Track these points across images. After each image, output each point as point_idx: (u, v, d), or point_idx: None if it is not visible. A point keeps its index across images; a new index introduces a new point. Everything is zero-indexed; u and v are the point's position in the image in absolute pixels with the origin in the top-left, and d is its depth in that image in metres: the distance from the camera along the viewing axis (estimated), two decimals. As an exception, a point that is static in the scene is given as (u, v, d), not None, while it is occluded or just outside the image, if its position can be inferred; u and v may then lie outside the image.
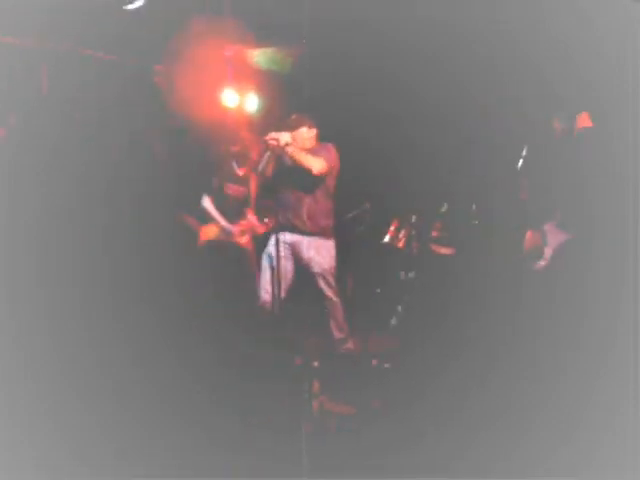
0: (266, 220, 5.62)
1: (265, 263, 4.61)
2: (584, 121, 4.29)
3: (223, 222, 5.62)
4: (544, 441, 3.31)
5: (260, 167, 4.47)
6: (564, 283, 3.94)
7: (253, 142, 5.65)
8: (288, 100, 5.92)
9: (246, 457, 3.22)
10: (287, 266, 4.53)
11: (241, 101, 6.51)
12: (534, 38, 4.58)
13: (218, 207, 5.64)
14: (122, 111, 5.63)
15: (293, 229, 4.56)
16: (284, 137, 4.38)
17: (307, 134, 4.59)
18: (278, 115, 5.83)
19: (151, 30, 5.55)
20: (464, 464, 3.21)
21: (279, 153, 4.45)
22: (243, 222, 5.64)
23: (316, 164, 4.40)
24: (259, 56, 6.37)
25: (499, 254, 4.76)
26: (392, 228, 5.61)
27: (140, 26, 5.51)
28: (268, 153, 4.42)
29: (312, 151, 4.50)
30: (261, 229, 5.62)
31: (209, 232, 5.61)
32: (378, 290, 5.92)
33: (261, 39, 6.03)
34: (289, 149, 4.37)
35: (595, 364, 3.52)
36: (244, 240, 5.59)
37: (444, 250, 5.45)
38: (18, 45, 5.12)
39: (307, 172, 4.39)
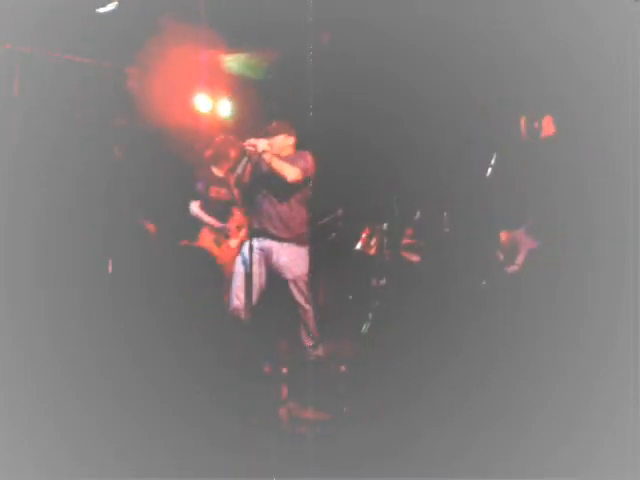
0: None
1: (237, 269, 4.60)
2: (548, 127, 4.30)
3: (216, 223, 5.62)
4: (544, 441, 3.31)
5: (237, 172, 4.50)
6: (564, 283, 3.94)
7: (227, 144, 5.69)
8: (262, 105, 5.95)
9: (246, 457, 3.22)
10: (260, 272, 4.52)
11: (214, 106, 6.54)
12: (534, 38, 4.58)
13: (206, 210, 5.65)
14: (95, 113, 5.63)
15: (267, 235, 4.56)
16: (262, 144, 4.41)
17: (285, 142, 4.63)
18: (251, 120, 5.88)
19: (125, 33, 5.55)
20: (464, 464, 3.21)
21: (256, 160, 4.48)
22: (235, 218, 5.64)
23: (291, 172, 4.44)
24: (232, 61, 6.38)
25: (470, 260, 4.78)
26: (364, 235, 5.67)
27: (114, 29, 5.50)
28: (246, 158, 4.45)
29: (289, 159, 4.53)
30: None
31: (205, 240, 5.60)
32: (350, 297, 5.96)
33: (235, 44, 6.03)
34: (266, 156, 4.41)
35: (595, 364, 3.52)
36: (242, 233, 5.59)
37: (413, 257, 5.49)
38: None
39: (282, 179, 4.42)
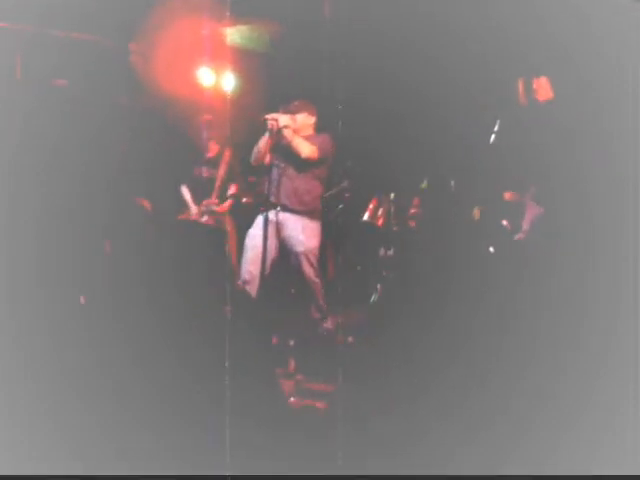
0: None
1: (249, 242, 4.64)
2: (545, 90, 4.28)
3: (194, 208, 5.66)
4: (544, 440, 3.31)
5: (258, 147, 4.60)
6: (564, 283, 3.94)
7: (226, 112, 5.69)
8: (266, 79, 5.93)
9: (246, 457, 3.22)
10: (272, 244, 4.56)
11: (217, 80, 6.50)
12: (534, 38, 4.58)
13: (196, 192, 5.71)
14: (97, 91, 5.58)
15: (281, 207, 4.62)
16: (283, 119, 4.52)
17: (306, 120, 4.73)
18: (254, 93, 5.87)
19: (125, 7, 5.48)
20: (464, 463, 3.21)
21: (275, 134, 4.54)
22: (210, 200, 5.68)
23: (306, 149, 4.54)
24: (234, 34, 6.34)
25: (477, 229, 4.76)
26: (371, 206, 5.65)
27: (114, 2, 5.43)
28: (266, 134, 4.53)
29: (308, 138, 4.63)
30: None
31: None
32: (358, 268, 5.95)
33: (238, 16, 5.97)
34: (287, 131, 4.50)
35: (595, 364, 3.52)
36: (224, 207, 5.62)
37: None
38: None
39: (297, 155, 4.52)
